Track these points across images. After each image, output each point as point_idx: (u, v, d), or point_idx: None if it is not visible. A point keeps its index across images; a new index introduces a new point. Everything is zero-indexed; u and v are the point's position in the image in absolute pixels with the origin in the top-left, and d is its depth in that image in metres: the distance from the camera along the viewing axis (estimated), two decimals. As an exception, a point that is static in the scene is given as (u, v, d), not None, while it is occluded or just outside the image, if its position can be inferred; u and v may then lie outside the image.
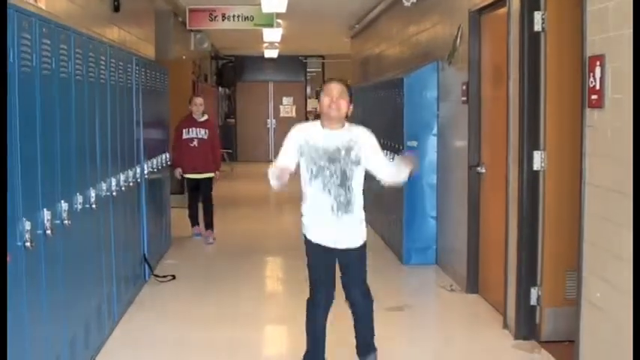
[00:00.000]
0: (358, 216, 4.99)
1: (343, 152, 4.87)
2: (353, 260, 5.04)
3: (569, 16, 5.30)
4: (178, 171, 10.04)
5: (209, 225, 10.24)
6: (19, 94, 3.88)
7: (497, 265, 6.50)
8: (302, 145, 4.90)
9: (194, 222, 10.41)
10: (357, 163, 4.91)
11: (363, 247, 5.06)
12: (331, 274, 5.02)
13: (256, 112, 24.52)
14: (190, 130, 9.95)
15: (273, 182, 4.87)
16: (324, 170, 4.86)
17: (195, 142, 9.92)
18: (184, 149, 9.94)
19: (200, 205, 10.31)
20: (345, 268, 5.05)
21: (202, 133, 9.96)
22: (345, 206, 4.90)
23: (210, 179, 10.22)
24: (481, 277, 7.24)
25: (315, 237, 4.97)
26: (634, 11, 4.02)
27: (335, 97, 4.86)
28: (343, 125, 4.95)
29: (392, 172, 5.14)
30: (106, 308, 5.90)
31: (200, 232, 10.27)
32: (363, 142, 4.97)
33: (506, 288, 6.18)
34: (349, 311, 5.14)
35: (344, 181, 4.88)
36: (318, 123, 4.99)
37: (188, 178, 10.25)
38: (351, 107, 4.95)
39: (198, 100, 10.04)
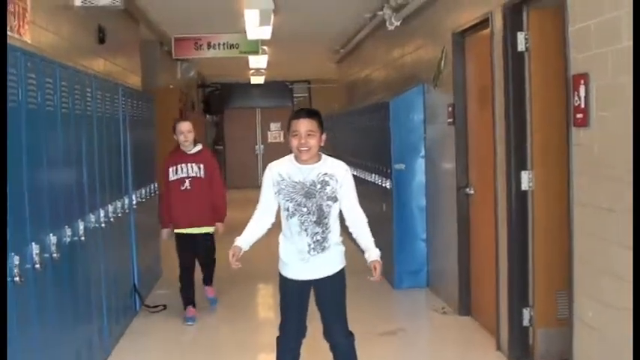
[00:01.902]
0: (334, 250, 4.78)
1: (319, 186, 4.68)
2: (331, 291, 4.81)
3: (553, 36, 5.33)
4: (166, 231, 7.56)
5: (208, 279, 8.01)
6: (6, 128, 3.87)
7: (488, 286, 6.49)
8: (279, 181, 4.73)
9: (188, 301, 7.48)
10: (334, 199, 4.71)
11: (342, 275, 4.84)
12: (304, 310, 4.84)
13: (244, 138, 24.55)
14: (179, 167, 7.33)
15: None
16: (301, 207, 4.69)
17: (187, 184, 7.31)
18: (174, 196, 7.34)
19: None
20: (322, 302, 4.82)
21: (196, 169, 7.33)
22: (320, 244, 4.72)
23: (210, 235, 7.67)
24: (473, 298, 7.23)
25: (290, 274, 4.83)
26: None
27: (303, 136, 4.62)
28: (319, 158, 4.75)
29: (359, 226, 4.83)
30: (97, 341, 5.86)
31: (194, 316, 7.47)
32: (341, 180, 4.72)
33: (498, 309, 6.18)
34: (326, 346, 4.90)
35: (321, 218, 4.70)
36: (292, 157, 4.76)
37: (179, 235, 7.46)
38: (324, 137, 4.71)
39: (185, 126, 7.33)
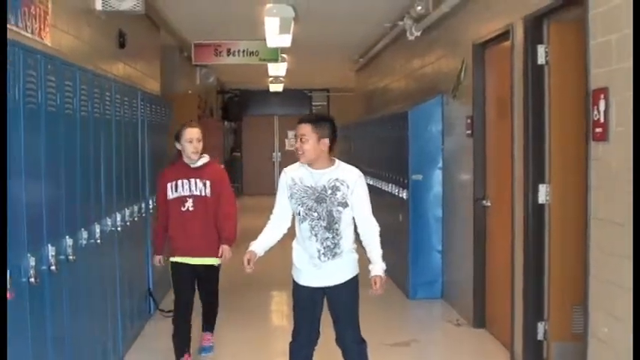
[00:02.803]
0: (346, 258, 4.77)
1: (329, 192, 4.69)
2: (343, 299, 4.81)
3: (573, 50, 5.31)
4: (158, 258, 6.28)
5: (210, 324, 6.60)
6: (24, 130, 3.90)
7: (503, 299, 6.46)
8: (291, 186, 4.78)
9: (182, 350, 6.00)
10: (344, 205, 4.70)
11: (354, 282, 4.83)
12: (317, 316, 4.84)
13: (262, 145, 24.60)
14: (180, 184, 5.96)
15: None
16: (312, 212, 4.71)
17: (189, 204, 5.94)
18: (172, 217, 6.00)
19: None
20: (334, 309, 4.84)
21: (200, 186, 5.96)
22: (331, 250, 4.73)
23: (216, 268, 6.25)
24: (488, 311, 7.20)
25: (302, 280, 4.84)
26: (634, 44, 4.03)
27: (299, 141, 4.71)
28: (332, 163, 4.77)
29: (368, 237, 4.80)
30: (111, 344, 5.87)
31: None
32: (352, 186, 4.71)
33: (512, 322, 6.15)
34: (339, 352, 4.90)
35: (331, 223, 4.70)
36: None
37: (176, 264, 6.03)
38: (324, 141, 4.69)
39: (195, 133, 5.95)
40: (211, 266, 6.13)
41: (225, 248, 6.01)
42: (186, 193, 5.94)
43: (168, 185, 5.96)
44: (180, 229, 5.96)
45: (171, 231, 6.01)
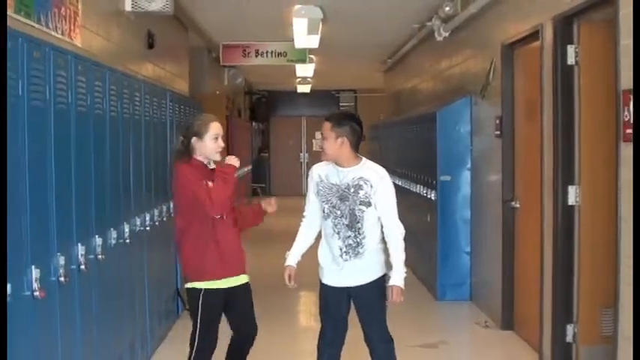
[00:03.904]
0: (370, 258, 4.73)
1: (352, 190, 4.67)
2: (367, 300, 4.78)
3: (603, 50, 5.27)
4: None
5: None
6: (54, 130, 3.93)
7: (532, 301, 6.42)
8: (318, 182, 4.79)
9: None
10: (367, 204, 4.66)
11: (379, 283, 4.78)
12: (342, 316, 4.82)
13: (289, 146, 24.65)
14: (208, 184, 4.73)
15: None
16: (335, 209, 4.71)
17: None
18: (199, 231, 4.77)
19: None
20: (359, 309, 4.82)
21: None
22: (353, 249, 4.71)
23: (249, 285, 5.01)
24: (516, 313, 7.15)
25: (326, 279, 4.85)
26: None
27: (321, 140, 4.77)
28: (359, 161, 4.74)
29: (390, 241, 4.75)
30: (139, 343, 5.90)
31: None
32: (376, 185, 4.67)
33: (541, 325, 6.11)
34: (367, 351, 4.89)
35: (353, 222, 4.68)
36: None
37: (211, 293, 4.78)
38: (341, 140, 4.65)
39: (220, 128, 4.90)
40: (248, 283, 4.99)
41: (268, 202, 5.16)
42: None
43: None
44: (220, 245, 4.77)
45: (209, 251, 4.75)
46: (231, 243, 4.85)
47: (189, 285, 4.82)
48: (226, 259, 4.79)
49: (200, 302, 4.75)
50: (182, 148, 4.86)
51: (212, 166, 4.87)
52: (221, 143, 4.82)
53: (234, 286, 4.85)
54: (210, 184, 4.67)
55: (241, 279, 4.92)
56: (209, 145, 4.79)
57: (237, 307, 4.89)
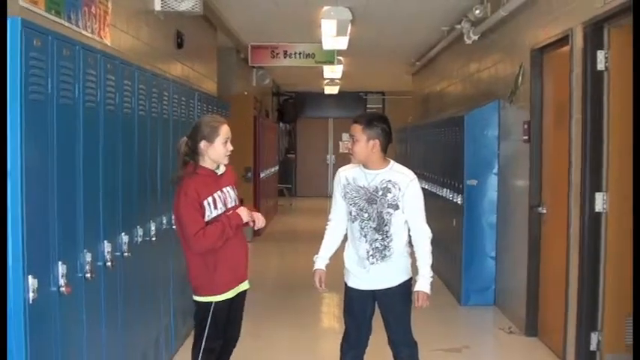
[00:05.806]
0: (397, 261, 4.72)
1: (380, 193, 4.65)
2: (392, 303, 4.77)
3: (633, 55, 5.22)
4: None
5: None
6: (83, 128, 3.96)
7: (557, 308, 6.38)
8: (345, 185, 4.75)
9: None
10: (395, 207, 4.64)
11: (405, 287, 4.77)
12: (366, 319, 4.81)
13: (316, 147, 24.67)
14: (217, 198, 4.63)
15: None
16: (363, 212, 4.69)
17: None
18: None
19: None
20: (384, 313, 4.81)
21: (233, 195, 4.79)
22: (380, 252, 4.69)
23: (246, 292, 4.95)
24: (540, 319, 7.11)
25: (351, 282, 4.84)
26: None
27: (351, 143, 4.69)
28: (386, 164, 4.71)
29: (417, 245, 4.73)
30: (163, 340, 5.93)
31: None
32: (404, 188, 4.64)
33: (565, 332, 6.07)
34: (391, 354, 4.89)
35: (380, 225, 4.66)
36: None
37: (222, 305, 4.70)
38: (372, 143, 4.60)
39: (228, 130, 4.71)
40: (245, 290, 4.94)
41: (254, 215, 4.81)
42: (230, 205, 4.71)
43: (205, 203, 4.54)
44: (228, 253, 4.66)
45: (220, 261, 4.63)
46: (239, 252, 4.77)
47: (199, 299, 4.70)
48: (235, 269, 4.74)
49: (211, 313, 4.67)
50: (187, 150, 4.64)
51: (221, 170, 4.72)
52: (230, 147, 4.66)
53: (238, 292, 4.82)
54: (218, 197, 4.59)
55: (245, 285, 4.88)
56: (219, 149, 4.62)
57: (231, 311, 4.81)
